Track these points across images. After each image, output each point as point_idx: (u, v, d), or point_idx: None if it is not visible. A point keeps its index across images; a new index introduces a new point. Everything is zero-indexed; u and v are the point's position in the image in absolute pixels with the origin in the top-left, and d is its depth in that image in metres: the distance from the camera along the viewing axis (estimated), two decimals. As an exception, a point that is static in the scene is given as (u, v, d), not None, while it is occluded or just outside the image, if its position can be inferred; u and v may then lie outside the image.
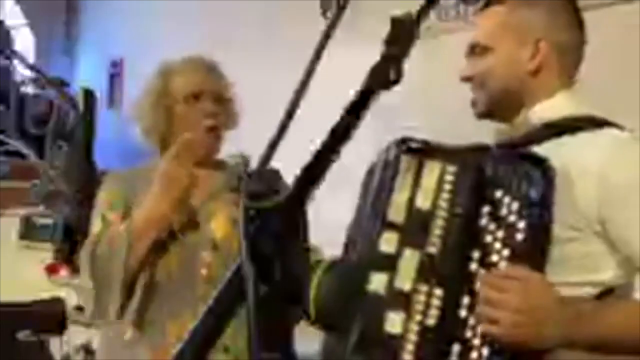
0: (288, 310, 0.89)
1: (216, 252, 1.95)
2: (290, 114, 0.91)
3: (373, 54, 0.93)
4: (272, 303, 0.86)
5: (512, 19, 1.55)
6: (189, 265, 1.96)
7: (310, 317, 1.44)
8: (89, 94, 4.85)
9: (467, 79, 1.59)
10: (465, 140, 1.54)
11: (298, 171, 0.89)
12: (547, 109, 1.52)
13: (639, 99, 3.06)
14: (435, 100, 4.10)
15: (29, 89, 5.75)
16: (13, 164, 5.14)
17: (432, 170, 1.39)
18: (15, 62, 5.45)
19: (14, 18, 7.40)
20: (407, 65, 0.92)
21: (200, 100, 2.08)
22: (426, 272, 1.34)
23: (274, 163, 0.93)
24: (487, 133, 1.60)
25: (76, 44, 7.50)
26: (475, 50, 1.57)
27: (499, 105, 1.56)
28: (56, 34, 7.45)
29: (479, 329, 1.30)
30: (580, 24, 1.57)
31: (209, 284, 1.91)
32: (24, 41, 7.40)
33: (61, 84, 5.68)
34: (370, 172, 1.54)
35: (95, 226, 2.01)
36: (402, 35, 0.92)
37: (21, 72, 5.52)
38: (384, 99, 0.94)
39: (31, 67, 5.77)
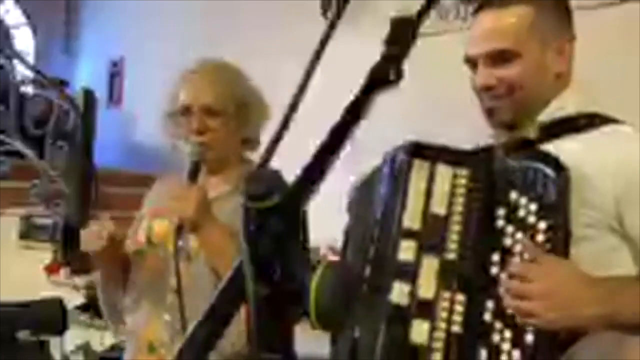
0: (288, 310, 0.88)
1: (189, 263, 1.93)
2: (289, 114, 0.91)
3: (373, 53, 0.93)
4: (272, 303, 0.86)
5: (537, 21, 1.47)
6: (161, 272, 1.98)
7: (310, 317, 1.43)
8: (89, 94, 4.85)
9: (488, 88, 1.50)
10: (465, 140, 1.53)
11: (298, 171, 0.89)
12: (556, 108, 1.50)
13: (639, 99, 3.06)
14: (435, 100, 4.09)
15: (29, 89, 5.75)
16: (13, 164, 5.14)
17: (444, 175, 1.37)
18: (15, 62, 5.44)
19: (14, 18, 7.40)
20: (407, 65, 0.92)
21: (190, 114, 2.02)
22: (447, 278, 1.32)
23: (274, 163, 0.93)
24: (487, 135, 1.59)
25: (76, 44, 7.50)
26: (503, 56, 1.47)
27: (525, 112, 1.49)
28: (56, 34, 7.46)
29: (508, 333, 1.28)
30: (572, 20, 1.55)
31: (177, 293, 1.90)
32: (24, 41, 7.40)
33: (61, 84, 5.68)
34: (371, 175, 1.52)
35: None
36: (402, 35, 0.91)
37: (21, 72, 5.52)
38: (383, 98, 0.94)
39: (31, 67, 5.76)
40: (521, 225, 1.31)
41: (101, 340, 3.68)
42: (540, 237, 1.30)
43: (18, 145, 4.93)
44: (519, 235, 1.31)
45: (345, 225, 1.57)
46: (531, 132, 1.49)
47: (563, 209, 1.30)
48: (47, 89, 5.35)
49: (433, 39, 3.43)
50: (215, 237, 1.86)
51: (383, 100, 0.93)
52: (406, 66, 0.91)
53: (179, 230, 1.87)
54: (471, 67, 1.54)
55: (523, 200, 1.32)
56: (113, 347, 3.48)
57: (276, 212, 0.85)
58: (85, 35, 7.44)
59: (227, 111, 2.02)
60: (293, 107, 0.91)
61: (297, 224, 0.88)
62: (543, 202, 1.30)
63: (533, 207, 1.31)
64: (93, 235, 1.96)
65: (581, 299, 1.27)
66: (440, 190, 1.37)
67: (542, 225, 1.30)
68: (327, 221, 1.97)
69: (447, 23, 4.00)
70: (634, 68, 3.25)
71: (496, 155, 1.42)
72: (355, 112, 0.90)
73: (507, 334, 1.28)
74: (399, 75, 0.91)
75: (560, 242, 1.30)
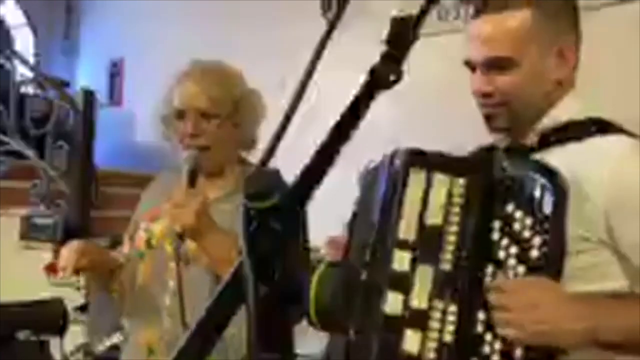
0: (288, 310, 0.88)
1: (187, 265, 1.93)
2: (289, 114, 0.91)
3: (372, 54, 0.93)
4: (272, 303, 0.86)
5: (537, 26, 1.44)
6: (160, 274, 1.99)
7: (310, 316, 1.43)
8: (89, 94, 4.84)
9: (483, 95, 1.49)
10: (465, 141, 1.53)
11: (298, 171, 0.89)
12: (557, 114, 1.48)
13: (639, 99, 3.06)
14: (435, 100, 4.09)
15: (29, 89, 5.75)
16: (13, 164, 5.13)
17: (441, 184, 1.36)
18: (15, 62, 5.44)
19: (14, 18, 7.40)
20: (407, 65, 0.92)
21: (184, 118, 2.02)
22: (440, 289, 1.32)
23: (274, 163, 0.93)
24: (487, 135, 1.59)
25: (76, 44, 7.50)
26: (500, 63, 1.46)
27: (521, 121, 1.49)
28: (56, 34, 7.45)
29: (498, 345, 1.28)
30: (578, 23, 1.53)
31: (176, 295, 1.90)
32: (24, 41, 7.40)
33: (61, 84, 5.67)
34: (369, 175, 1.51)
35: None
36: (402, 35, 0.91)
37: (21, 72, 5.51)
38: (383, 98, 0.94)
39: (31, 67, 5.76)
40: (516, 239, 1.30)
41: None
42: (534, 253, 1.28)
43: (18, 145, 4.93)
44: (513, 249, 1.30)
45: (350, 217, 1.56)
46: (530, 139, 1.48)
47: (559, 224, 1.28)
48: (47, 89, 5.35)
49: (433, 39, 3.43)
50: (216, 244, 1.86)
51: (383, 100, 0.93)
52: (406, 66, 0.91)
53: (180, 237, 1.87)
54: (471, 69, 1.53)
55: (518, 214, 1.31)
56: (113, 347, 3.48)
57: (276, 212, 0.85)
58: (85, 35, 7.43)
59: (222, 113, 2.02)
60: (293, 107, 0.91)
61: (297, 224, 0.88)
62: (539, 216, 1.29)
63: (528, 221, 1.30)
64: (66, 251, 1.97)
65: (564, 314, 1.27)
66: (436, 200, 1.35)
67: (537, 240, 1.29)
68: (327, 221, 1.97)
69: (447, 23, 4.00)
70: (634, 68, 3.25)
71: (494, 164, 1.40)
72: (355, 112, 0.90)
73: (497, 346, 1.28)
74: (399, 76, 0.91)
75: (554, 258, 1.29)
